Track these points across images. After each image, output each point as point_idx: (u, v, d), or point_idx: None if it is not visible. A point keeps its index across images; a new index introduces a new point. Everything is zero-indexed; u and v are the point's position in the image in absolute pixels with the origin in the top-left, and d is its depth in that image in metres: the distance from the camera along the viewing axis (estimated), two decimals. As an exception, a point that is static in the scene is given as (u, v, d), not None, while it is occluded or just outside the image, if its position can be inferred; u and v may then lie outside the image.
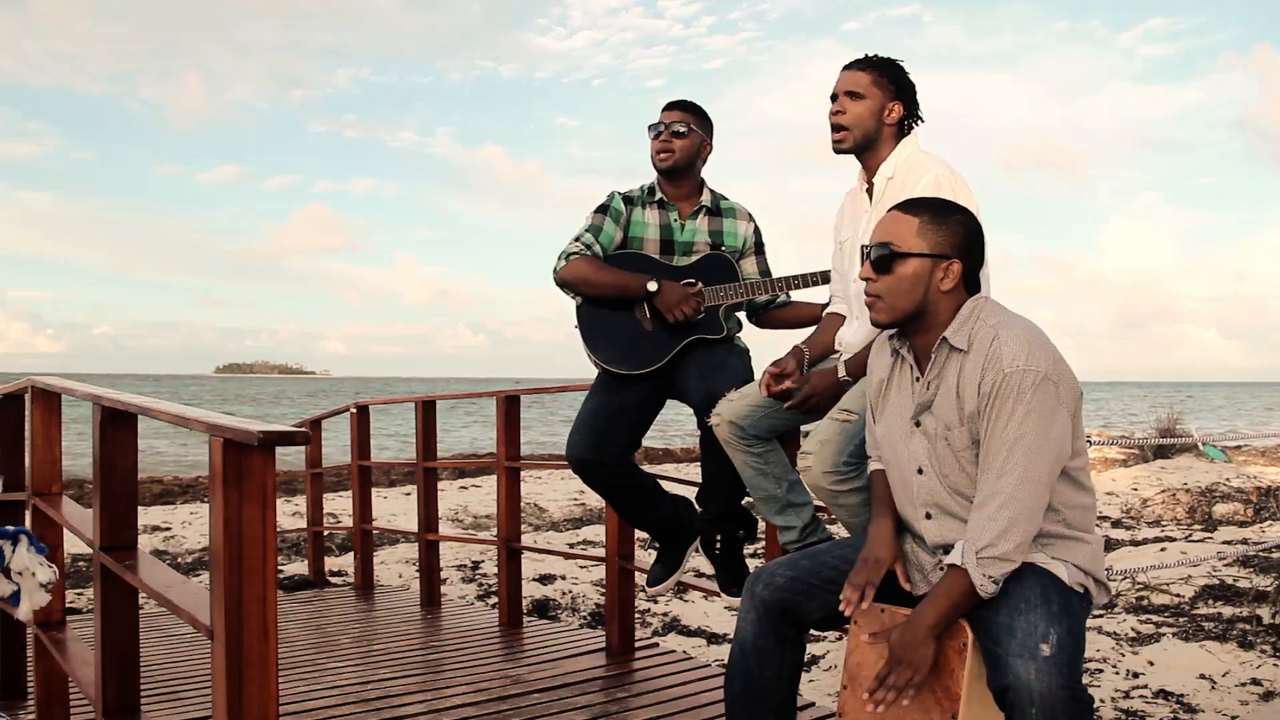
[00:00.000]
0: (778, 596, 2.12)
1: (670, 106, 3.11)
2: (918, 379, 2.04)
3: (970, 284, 2.02)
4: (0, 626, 3.49)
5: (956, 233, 1.99)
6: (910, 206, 2.03)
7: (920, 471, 2.02)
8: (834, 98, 2.56)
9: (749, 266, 3.15)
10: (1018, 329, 1.93)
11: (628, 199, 3.10)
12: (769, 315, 3.19)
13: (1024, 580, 1.91)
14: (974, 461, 1.95)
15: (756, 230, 3.18)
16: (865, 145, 2.54)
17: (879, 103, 2.52)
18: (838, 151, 2.57)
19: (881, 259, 1.99)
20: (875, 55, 2.57)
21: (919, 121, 2.57)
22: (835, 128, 2.54)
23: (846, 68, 2.56)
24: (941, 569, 2.02)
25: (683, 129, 3.05)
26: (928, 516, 2.03)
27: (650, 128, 3.09)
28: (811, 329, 2.81)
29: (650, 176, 3.16)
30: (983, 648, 1.89)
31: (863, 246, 2.08)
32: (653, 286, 2.96)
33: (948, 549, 2.02)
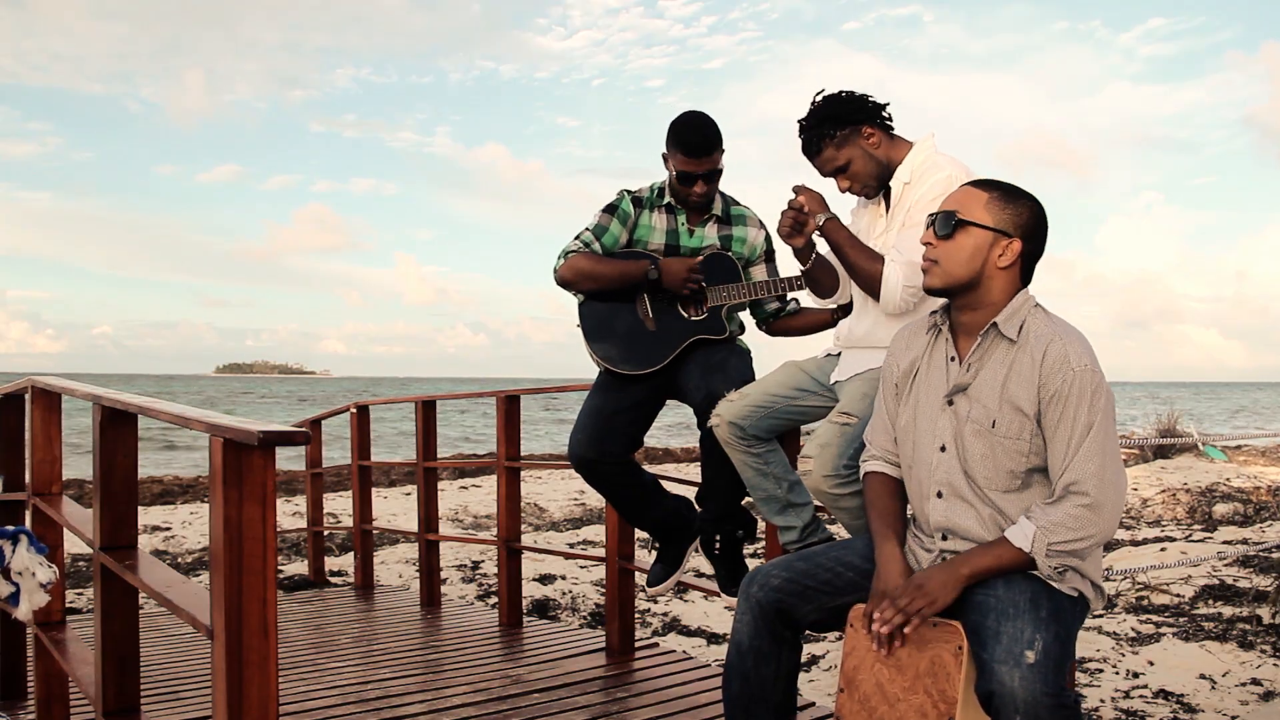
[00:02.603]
0: (773, 598, 2.12)
1: (699, 151, 2.93)
2: (952, 359, 2.05)
3: (1026, 272, 2.04)
4: (0, 626, 3.49)
5: (1022, 214, 2.02)
6: (982, 183, 2.09)
7: (943, 449, 2.03)
8: (827, 176, 2.60)
9: (758, 274, 3.12)
10: (1076, 334, 1.98)
11: (637, 200, 3.06)
12: (779, 323, 3.17)
13: (1014, 585, 1.91)
14: (1011, 453, 1.97)
15: (768, 238, 3.14)
16: (884, 179, 2.56)
17: (857, 150, 2.53)
18: (869, 199, 2.62)
19: (945, 225, 2.02)
20: (812, 123, 2.55)
21: (888, 112, 2.57)
22: (850, 194, 2.59)
23: (810, 155, 2.58)
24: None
25: (717, 169, 2.99)
26: (938, 495, 2.04)
27: (682, 176, 2.96)
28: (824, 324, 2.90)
29: (655, 176, 3.15)
30: (972, 653, 1.90)
31: (929, 215, 2.09)
32: (654, 274, 2.95)
33: (946, 535, 2.02)
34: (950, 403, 2.04)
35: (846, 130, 2.52)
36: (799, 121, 2.57)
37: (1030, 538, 1.91)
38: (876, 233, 2.57)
